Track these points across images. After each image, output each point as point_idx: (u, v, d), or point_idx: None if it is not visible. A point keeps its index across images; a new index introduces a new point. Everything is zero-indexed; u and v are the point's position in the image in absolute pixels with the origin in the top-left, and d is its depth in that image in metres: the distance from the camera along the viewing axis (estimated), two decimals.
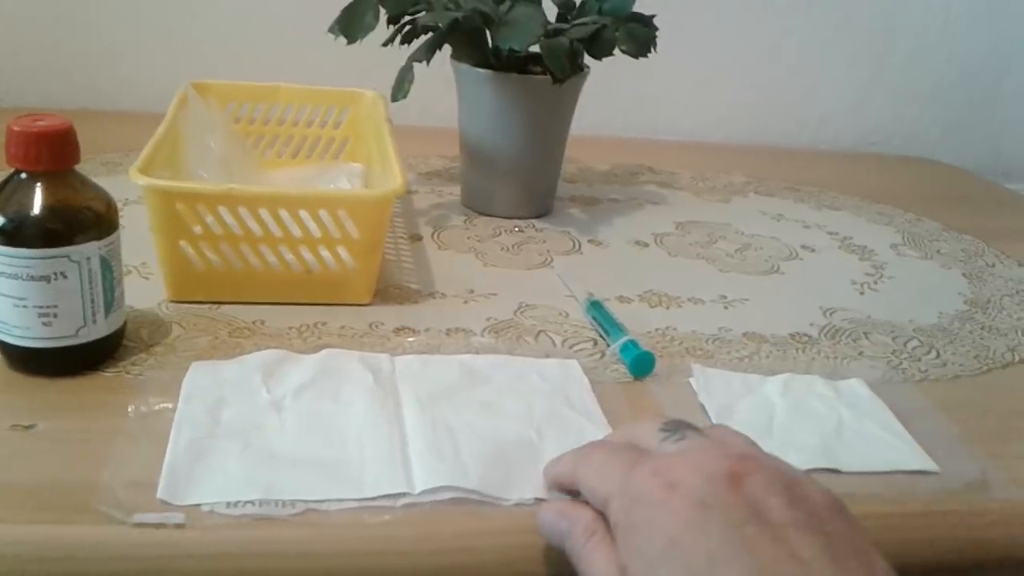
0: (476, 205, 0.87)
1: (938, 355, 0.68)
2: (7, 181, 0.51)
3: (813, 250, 0.87)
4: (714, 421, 0.55)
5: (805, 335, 0.68)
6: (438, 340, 0.62)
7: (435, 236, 0.80)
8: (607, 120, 1.17)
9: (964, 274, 0.84)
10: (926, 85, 1.27)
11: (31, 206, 0.50)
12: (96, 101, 1.06)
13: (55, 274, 0.50)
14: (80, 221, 0.51)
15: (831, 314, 0.73)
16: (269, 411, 0.51)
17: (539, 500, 0.47)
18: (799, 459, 0.51)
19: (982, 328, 0.73)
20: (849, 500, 0.49)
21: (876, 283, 0.80)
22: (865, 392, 0.60)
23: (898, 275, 0.83)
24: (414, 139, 0.89)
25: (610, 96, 1.14)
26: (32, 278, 0.50)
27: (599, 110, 1.13)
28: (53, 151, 0.50)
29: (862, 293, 0.78)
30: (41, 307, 0.51)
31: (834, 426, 0.56)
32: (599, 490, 0.41)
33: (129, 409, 0.50)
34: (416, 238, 0.80)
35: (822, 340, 0.68)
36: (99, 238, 0.52)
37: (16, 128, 0.49)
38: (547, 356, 0.61)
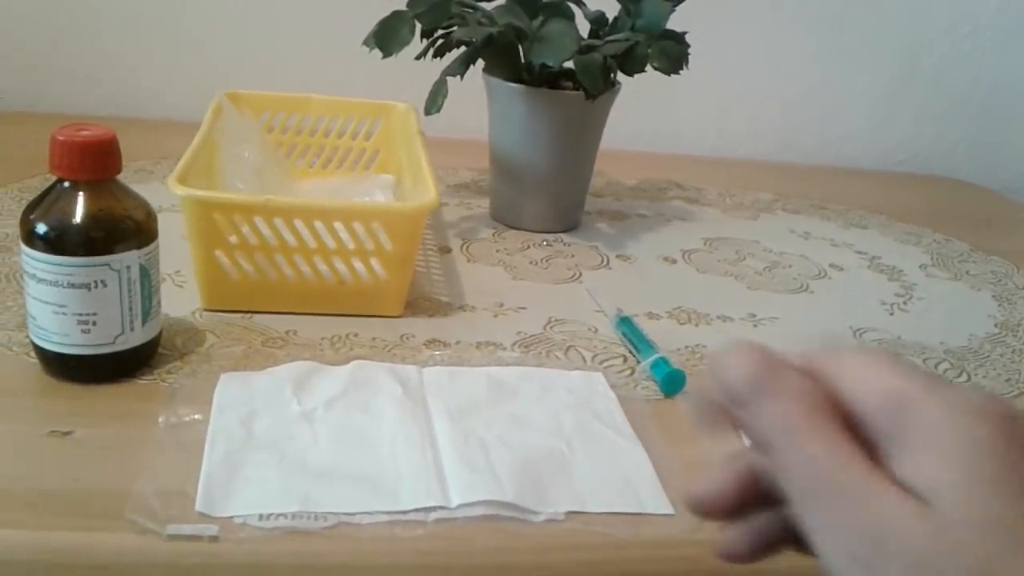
0: (505, 218, 0.87)
1: (969, 378, 0.67)
2: (50, 189, 0.52)
3: (841, 269, 0.86)
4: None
5: None
6: (468, 353, 0.62)
7: (464, 248, 0.81)
8: (634, 134, 1.17)
9: (994, 296, 0.84)
10: (953, 103, 1.27)
11: (73, 215, 0.51)
12: (129, 109, 1.07)
13: (95, 282, 0.51)
14: (121, 230, 0.52)
15: (860, 334, 0.72)
16: (301, 423, 0.51)
17: (570, 514, 0.47)
18: None
19: (1013, 351, 0.72)
20: None
21: (906, 304, 0.80)
22: None
23: (927, 296, 0.82)
24: (443, 151, 0.89)
25: (638, 111, 1.14)
26: (72, 286, 0.51)
27: (627, 124, 1.13)
28: (96, 161, 0.51)
29: (891, 314, 0.77)
30: (81, 314, 0.51)
31: None
32: (891, 383, 0.29)
33: (160, 420, 0.50)
34: (445, 250, 0.80)
35: None
36: (139, 247, 0.52)
37: (60, 138, 0.50)
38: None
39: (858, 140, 1.26)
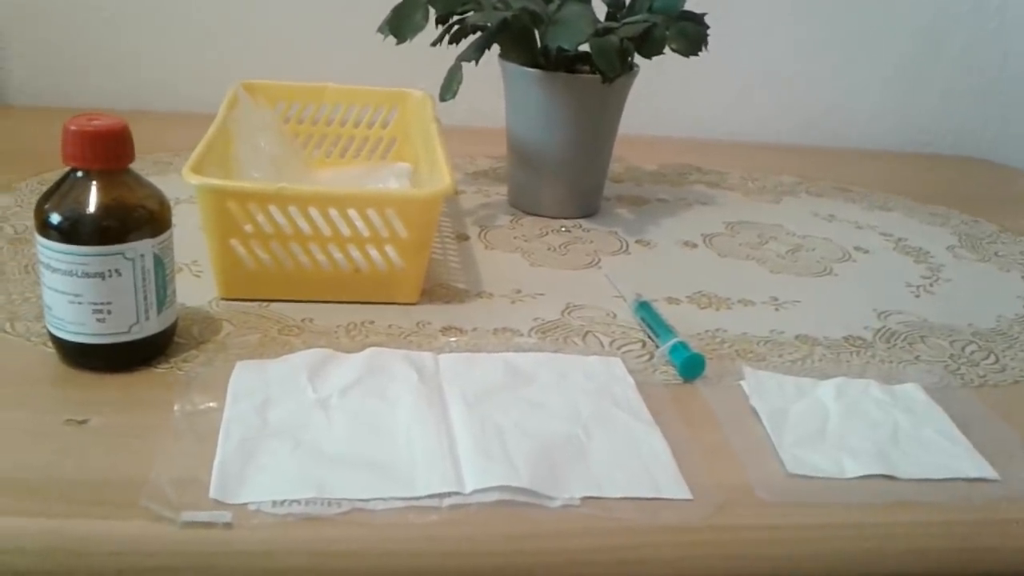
0: (523, 205, 0.86)
1: (997, 360, 0.66)
2: (63, 179, 0.52)
3: (866, 251, 0.85)
4: (766, 425, 0.54)
5: (859, 338, 0.67)
6: (485, 340, 0.62)
7: (482, 236, 0.80)
8: (653, 119, 1.16)
9: (1023, 277, 0.82)
10: (980, 83, 1.24)
11: (87, 204, 0.51)
12: (146, 102, 1.08)
13: (109, 271, 0.51)
14: (134, 219, 0.52)
15: (886, 317, 0.71)
16: (316, 410, 0.51)
17: (587, 499, 0.46)
18: (854, 465, 0.51)
19: None
20: (906, 508, 0.49)
21: (932, 286, 0.78)
22: (922, 397, 0.58)
23: (955, 278, 0.81)
24: (461, 139, 0.89)
25: (657, 95, 1.13)
26: (87, 275, 0.51)
27: (646, 109, 1.12)
28: (109, 150, 0.51)
29: (918, 296, 0.76)
30: (96, 303, 0.51)
31: (890, 432, 0.54)
32: None
33: (175, 408, 0.50)
34: (463, 238, 0.80)
35: (877, 344, 0.67)
36: (153, 236, 0.52)
37: (73, 128, 0.50)
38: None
39: (883, 121, 1.25)
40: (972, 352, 0.67)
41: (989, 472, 0.52)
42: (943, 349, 0.67)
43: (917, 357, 0.65)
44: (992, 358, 0.66)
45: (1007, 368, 0.65)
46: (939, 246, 0.88)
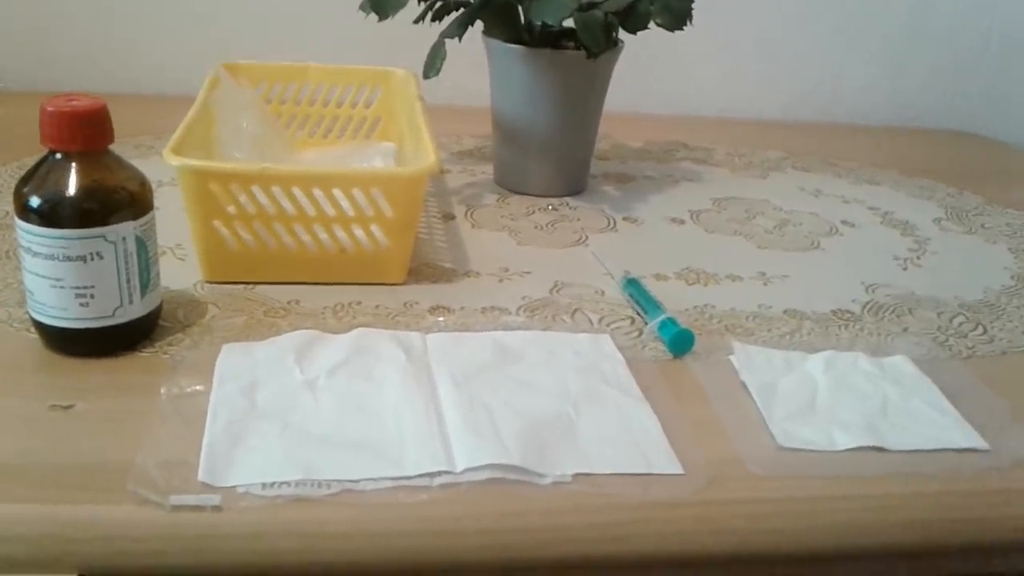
0: (509, 183, 0.86)
1: (985, 331, 0.66)
2: (42, 162, 0.51)
3: (853, 226, 0.85)
4: (756, 399, 0.54)
5: (847, 312, 0.67)
6: (472, 319, 0.61)
7: (468, 215, 0.80)
8: (639, 96, 1.15)
9: (1010, 248, 0.82)
10: (965, 56, 1.24)
11: (66, 186, 0.50)
12: (128, 85, 1.06)
13: (91, 254, 0.50)
14: (115, 201, 0.51)
15: (874, 290, 0.71)
16: (304, 391, 0.51)
17: (578, 476, 0.46)
18: (845, 438, 0.51)
19: None
20: (896, 479, 0.49)
21: (919, 259, 0.78)
22: (911, 369, 0.58)
23: (941, 250, 0.81)
24: (446, 118, 0.88)
25: (642, 71, 1.12)
26: (68, 258, 0.50)
27: (631, 85, 1.11)
28: (87, 131, 0.50)
29: (905, 269, 0.76)
30: (78, 287, 0.51)
31: (879, 404, 0.54)
32: None
33: (162, 391, 0.50)
34: (449, 217, 0.79)
35: (865, 317, 0.67)
36: (134, 218, 0.52)
37: (50, 108, 0.49)
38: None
39: (868, 96, 1.24)
40: (960, 324, 0.67)
41: (979, 442, 0.52)
42: (931, 321, 0.67)
43: (905, 329, 0.65)
44: (980, 329, 0.66)
45: (995, 339, 0.65)
46: (926, 219, 0.88)
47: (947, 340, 0.64)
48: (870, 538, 0.47)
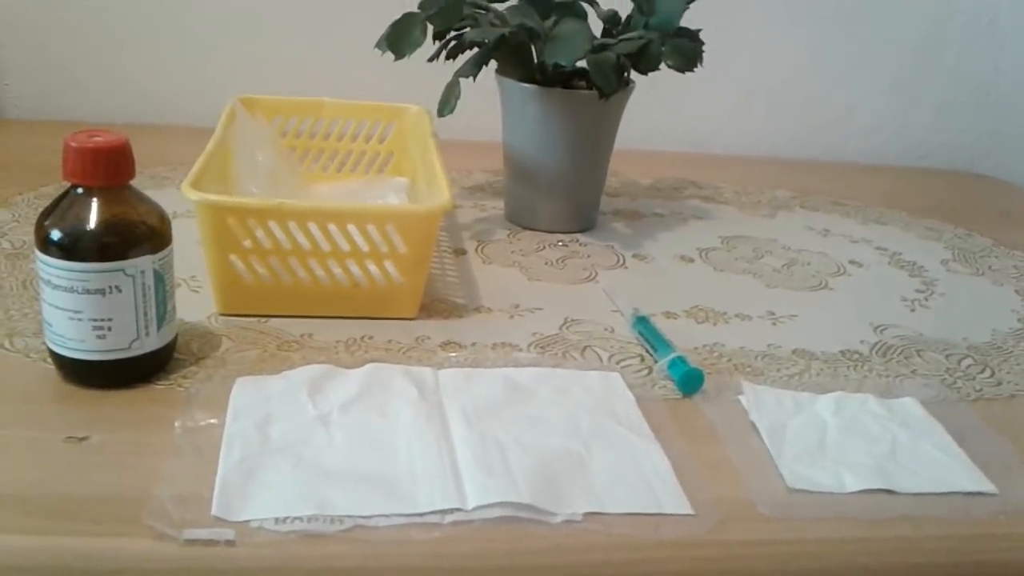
0: (520, 219, 0.87)
1: (992, 374, 0.66)
2: (63, 196, 0.52)
3: (861, 266, 0.86)
4: (766, 440, 0.54)
5: (856, 352, 0.67)
6: (484, 355, 0.62)
7: (479, 250, 0.80)
8: (649, 134, 1.17)
9: (1017, 291, 0.83)
10: (973, 96, 1.25)
11: (87, 220, 0.51)
12: (143, 116, 1.08)
13: (110, 287, 0.51)
14: (135, 235, 0.52)
15: (882, 331, 0.71)
16: (317, 426, 0.51)
17: (588, 515, 0.46)
18: (854, 480, 0.51)
19: None
20: (904, 522, 0.49)
21: (927, 300, 0.79)
22: (919, 411, 0.59)
23: (949, 292, 0.81)
24: (457, 153, 0.89)
25: (652, 110, 1.14)
26: (87, 291, 0.51)
27: (641, 124, 1.13)
28: (110, 167, 0.51)
29: (913, 310, 0.76)
30: (96, 320, 0.51)
31: (888, 446, 0.55)
32: None
33: (176, 424, 0.50)
34: (460, 252, 0.80)
35: (873, 358, 0.67)
36: (153, 252, 0.52)
37: (73, 144, 0.50)
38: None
39: (877, 136, 1.25)
40: (968, 366, 0.67)
41: (987, 486, 0.52)
42: (939, 363, 0.67)
43: (914, 371, 0.65)
44: (988, 372, 0.66)
45: (1003, 382, 0.65)
46: (933, 260, 0.89)
47: (955, 382, 0.64)
48: None
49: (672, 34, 0.78)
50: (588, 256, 0.81)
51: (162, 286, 0.54)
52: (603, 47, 0.76)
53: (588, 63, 0.75)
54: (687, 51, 0.78)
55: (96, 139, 0.51)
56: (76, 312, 0.51)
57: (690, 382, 0.59)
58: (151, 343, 0.54)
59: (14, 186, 0.84)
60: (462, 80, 0.78)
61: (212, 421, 0.51)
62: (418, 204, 0.73)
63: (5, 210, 0.79)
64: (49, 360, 0.54)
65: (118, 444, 0.49)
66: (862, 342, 0.69)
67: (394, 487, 0.47)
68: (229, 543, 0.43)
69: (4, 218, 0.77)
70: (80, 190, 0.51)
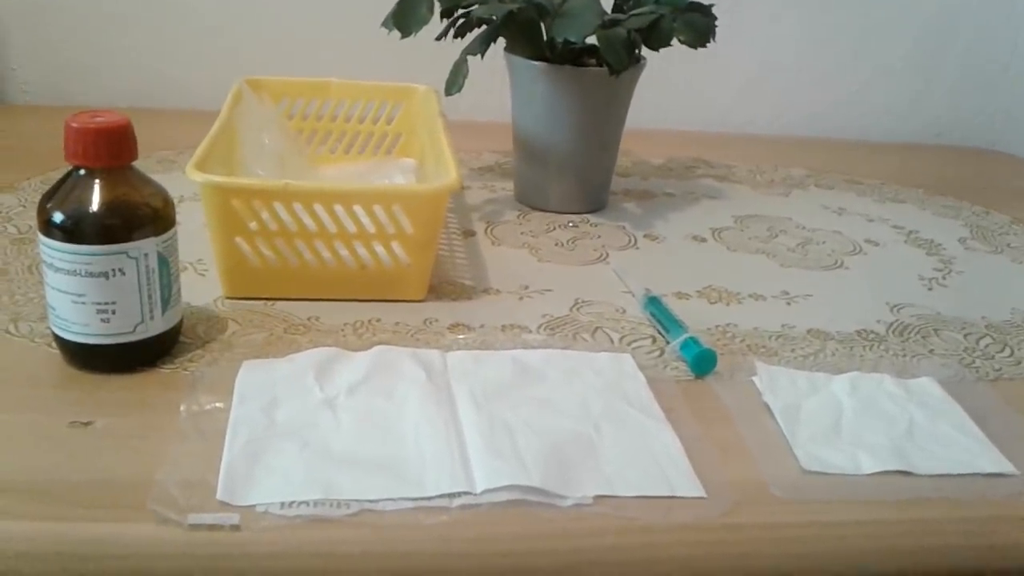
0: (529, 200, 0.86)
1: (1012, 353, 0.65)
2: (66, 178, 0.51)
3: (877, 244, 0.84)
4: (780, 421, 0.53)
5: (872, 332, 0.66)
6: (493, 337, 0.61)
7: (488, 232, 0.80)
8: (660, 112, 1.15)
9: None
10: (989, 74, 1.23)
11: (90, 203, 0.50)
12: (150, 99, 1.07)
13: (113, 270, 0.50)
14: (138, 217, 0.51)
15: (899, 310, 0.70)
16: (323, 410, 0.51)
17: (599, 498, 0.46)
18: (870, 461, 0.50)
19: None
20: (922, 504, 0.48)
21: (945, 278, 0.78)
22: (937, 391, 0.57)
23: (967, 270, 0.80)
24: (466, 134, 0.88)
25: (664, 88, 1.12)
26: (91, 274, 0.50)
27: (653, 102, 1.11)
28: (111, 147, 0.50)
29: (930, 289, 0.75)
30: (100, 303, 0.51)
31: (905, 427, 0.53)
32: None
33: (181, 408, 0.50)
34: (469, 234, 0.79)
35: (890, 337, 0.66)
36: (157, 234, 0.52)
37: (74, 125, 0.49)
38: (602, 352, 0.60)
39: (893, 113, 1.23)
40: (987, 345, 0.66)
41: (1007, 467, 0.51)
42: (957, 342, 0.66)
43: (931, 351, 0.64)
44: (1007, 351, 0.65)
45: (1023, 361, 0.64)
46: (951, 238, 0.87)
47: (974, 362, 0.63)
48: (896, 563, 0.47)
49: (684, 9, 0.77)
50: (599, 237, 0.80)
51: (166, 269, 0.53)
52: (613, 23, 0.75)
53: (598, 39, 0.74)
54: (699, 26, 0.77)
55: (97, 119, 0.50)
56: (79, 295, 0.51)
57: (703, 363, 0.58)
58: (156, 326, 0.53)
59: (20, 171, 0.83)
60: (470, 58, 0.76)
61: (218, 405, 0.50)
62: (425, 184, 0.72)
63: (11, 195, 0.79)
64: (53, 344, 0.54)
65: (123, 429, 0.49)
66: (878, 321, 0.68)
67: (402, 471, 0.46)
68: (234, 528, 0.42)
69: (10, 203, 0.77)
70: (82, 172, 0.50)
